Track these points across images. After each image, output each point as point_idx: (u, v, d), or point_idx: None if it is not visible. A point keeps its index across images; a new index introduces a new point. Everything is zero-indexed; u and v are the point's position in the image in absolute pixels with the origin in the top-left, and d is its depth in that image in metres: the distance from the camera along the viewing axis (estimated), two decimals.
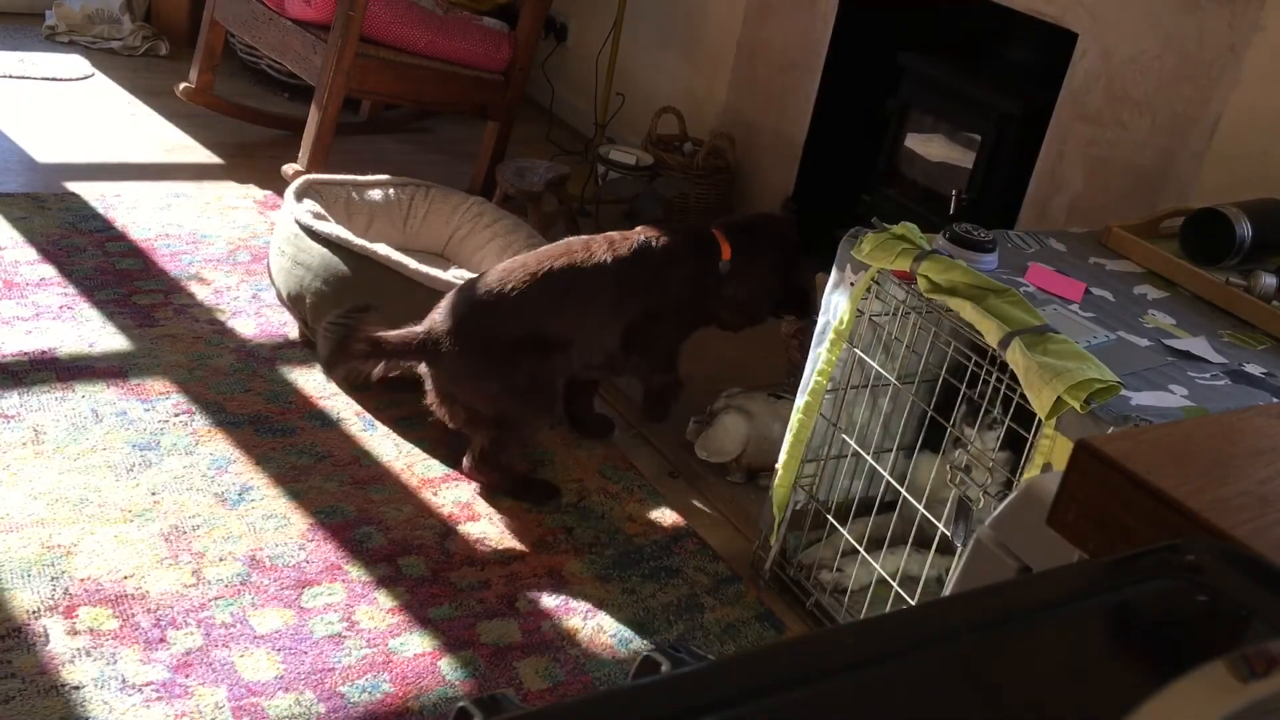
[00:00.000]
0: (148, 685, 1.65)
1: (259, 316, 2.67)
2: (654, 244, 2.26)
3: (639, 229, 2.31)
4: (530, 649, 1.86)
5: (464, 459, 2.23)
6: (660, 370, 2.39)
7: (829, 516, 2.02)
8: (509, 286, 2.15)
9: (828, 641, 0.56)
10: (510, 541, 2.10)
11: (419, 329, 2.15)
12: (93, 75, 3.97)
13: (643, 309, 2.26)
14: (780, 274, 2.42)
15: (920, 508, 1.84)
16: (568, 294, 2.18)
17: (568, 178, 3.38)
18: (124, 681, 1.65)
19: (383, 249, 2.40)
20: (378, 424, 2.37)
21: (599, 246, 2.22)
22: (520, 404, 2.18)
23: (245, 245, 3.00)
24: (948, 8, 3.05)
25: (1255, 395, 1.61)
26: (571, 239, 2.27)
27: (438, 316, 2.17)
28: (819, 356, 1.95)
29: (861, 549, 1.95)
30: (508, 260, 2.27)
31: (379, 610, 1.88)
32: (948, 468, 1.89)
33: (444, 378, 2.16)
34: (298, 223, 2.45)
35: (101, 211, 3.02)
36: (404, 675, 1.76)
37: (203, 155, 3.53)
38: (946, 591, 1.55)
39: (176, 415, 2.26)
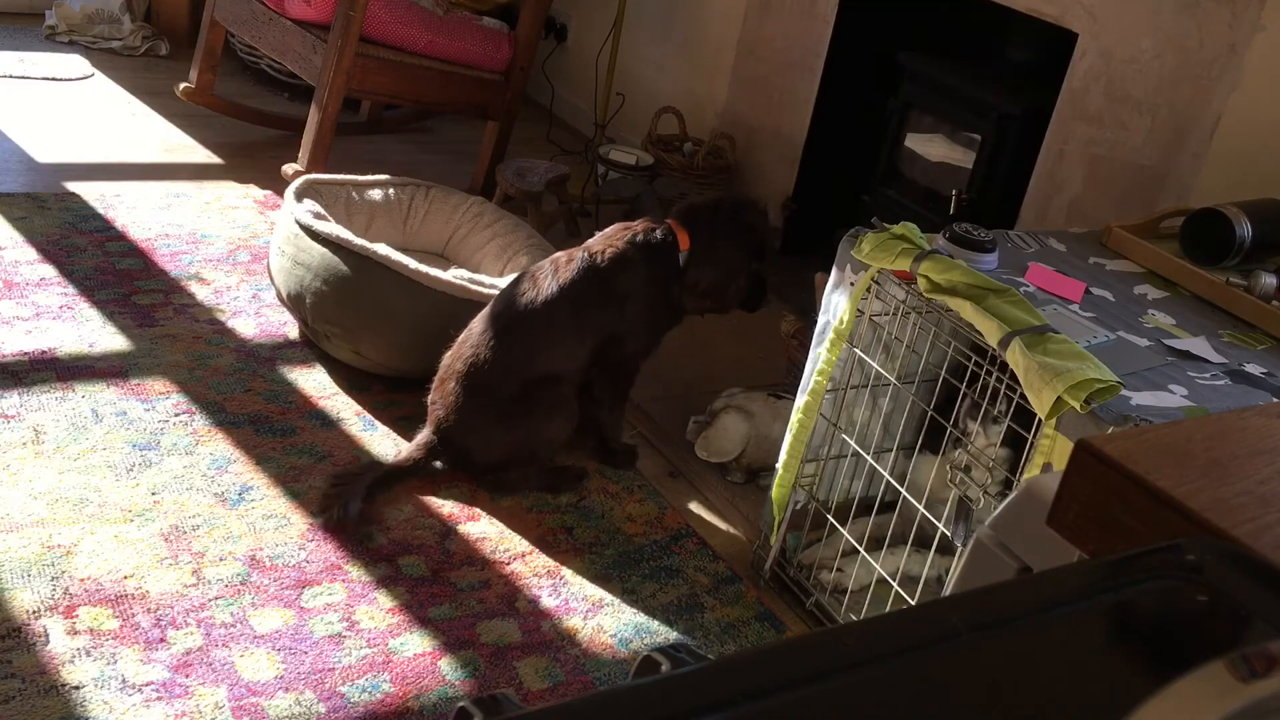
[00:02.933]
0: (148, 685, 1.65)
1: (259, 316, 2.67)
2: (599, 260, 2.20)
3: (590, 241, 2.26)
4: (530, 649, 1.86)
5: (491, 491, 2.25)
6: (618, 401, 2.36)
7: (829, 516, 2.02)
8: (482, 356, 2.17)
9: (828, 641, 0.56)
10: (510, 541, 2.10)
11: (429, 430, 2.23)
12: (93, 75, 3.97)
13: (606, 327, 2.22)
14: (745, 259, 2.30)
15: (920, 508, 1.84)
16: (536, 335, 2.18)
17: (568, 178, 3.38)
18: (124, 681, 1.65)
19: (383, 249, 2.40)
20: (378, 424, 2.37)
21: (544, 277, 2.20)
22: (547, 430, 2.23)
23: (245, 245, 3.00)
24: (948, 8, 3.05)
25: (1255, 395, 1.61)
26: (521, 275, 2.26)
27: (439, 411, 2.21)
28: (819, 356, 1.95)
29: (861, 549, 1.95)
30: (471, 324, 2.25)
31: (379, 610, 1.88)
32: (948, 468, 1.89)
33: (475, 461, 2.21)
34: (298, 223, 2.45)
35: (101, 211, 3.02)
36: (404, 675, 1.76)
37: (203, 155, 3.53)
38: (946, 591, 1.55)
39: (176, 415, 2.26)
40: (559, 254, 2.26)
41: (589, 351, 2.24)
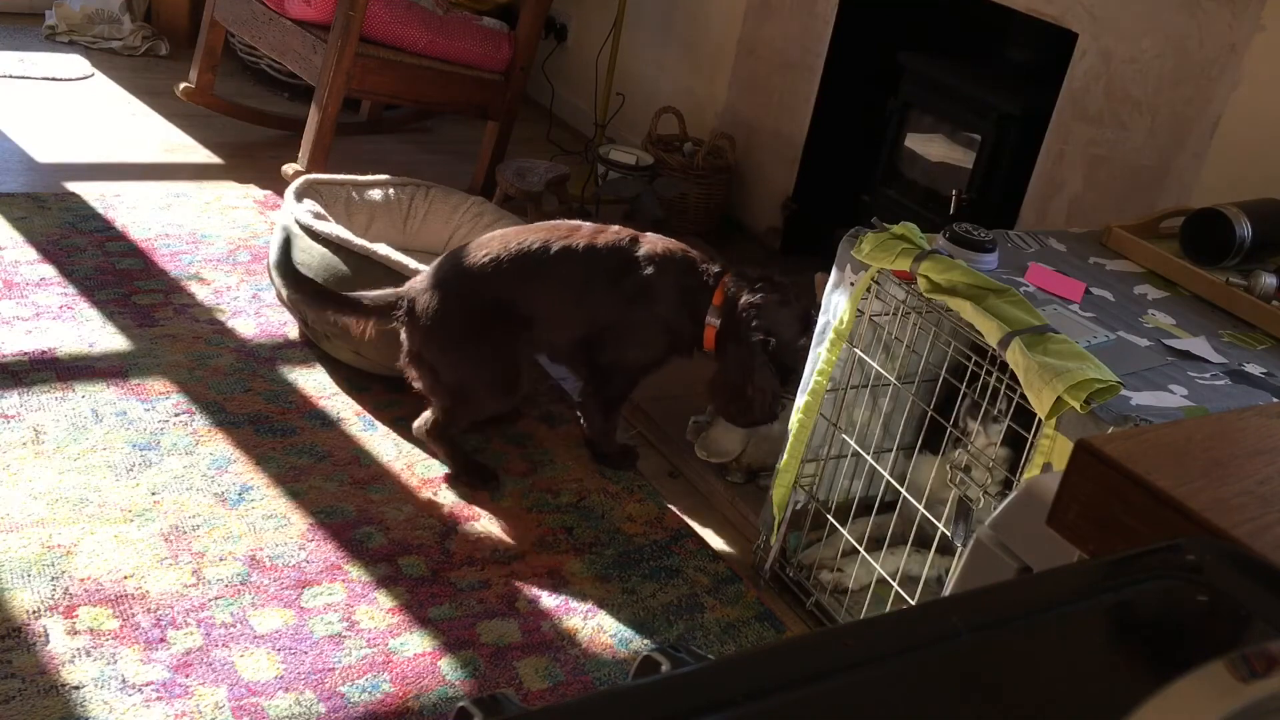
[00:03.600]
0: (148, 685, 1.65)
1: (259, 316, 2.67)
2: (633, 247, 2.17)
3: (648, 232, 2.23)
4: (530, 649, 1.86)
5: (416, 421, 2.25)
6: (603, 409, 2.32)
7: (829, 516, 2.02)
8: (484, 253, 2.17)
9: (828, 641, 0.56)
10: (510, 541, 2.10)
11: (400, 289, 2.21)
12: (93, 75, 3.97)
13: (602, 314, 2.19)
14: (757, 360, 2.14)
15: (920, 508, 1.84)
16: (537, 267, 2.15)
17: (568, 178, 3.38)
18: (124, 681, 1.65)
19: (383, 249, 2.40)
20: (378, 424, 2.37)
21: (583, 233, 2.19)
22: (478, 377, 2.19)
23: (245, 245, 3.00)
24: (948, 8, 3.05)
25: (1255, 395, 1.61)
26: (567, 221, 2.24)
27: (418, 280, 2.21)
28: (819, 356, 1.95)
29: (861, 549, 1.95)
30: (497, 231, 2.28)
31: (379, 610, 1.88)
32: (948, 468, 1.89)
33: (415, 338, 2.19)
34: (298, 222, 2.45)
35: (101, 211, 3.02)
36: (404, 675, 1.76)
37: (203, 155, 3.53)
38: (946, 591, 1.55)
39: (176, 415, 2.26)
40: (611, 225, 2.23)
41: (575, 327, 2.21)
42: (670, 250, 2.20)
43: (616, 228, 2.23)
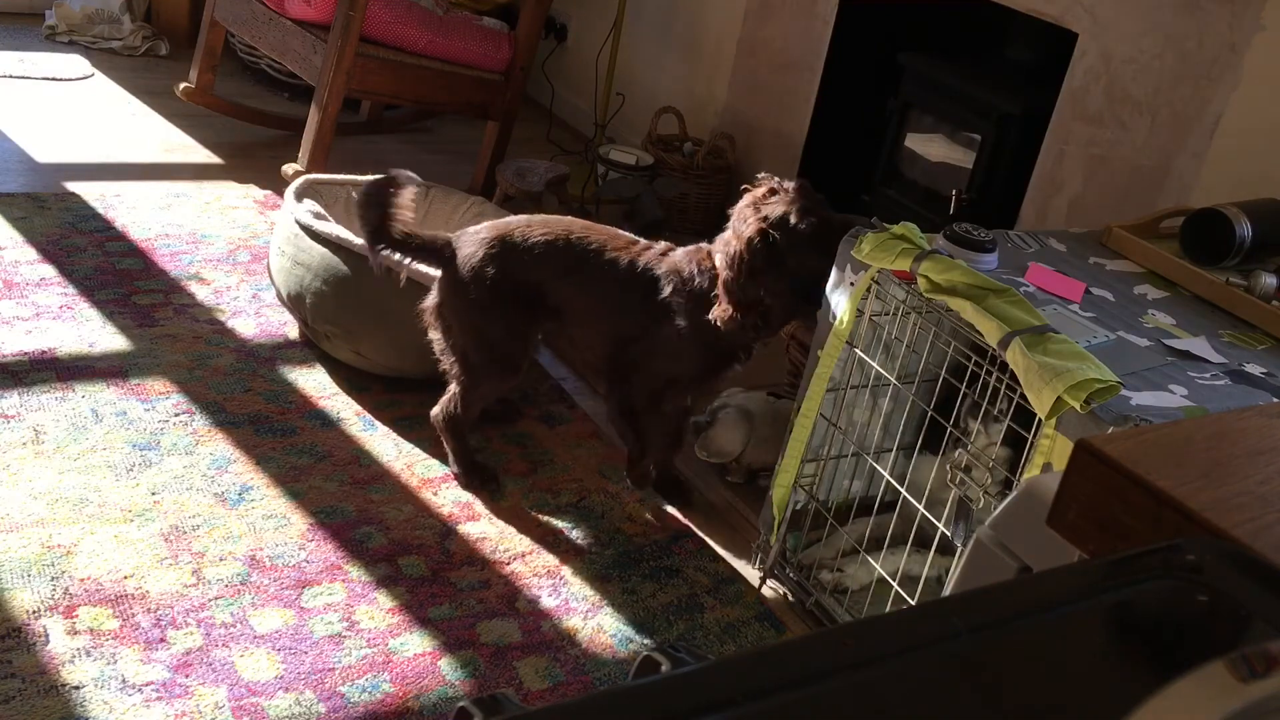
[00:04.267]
0: (148, 685, 1.65)
1: (259, 316, 2.67)
2: (658, 271, 2.12)
3: (680, 251, 2.15)
4: (530, 649, 1.86)
5: (434, 408, 2.25)
6: (617, 414, 2.27)
7: (829, 516, 2.02)
8: (542, 232, 2.15)
9: (828, 641, 0.56)
10: (510, 541, 2.10)
11: (448, 235, 2.21)
12: (93, 75, 3.97)
13: (629, 332, 2.16)
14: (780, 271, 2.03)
15: (920, 508, 1.84)
16: (584, 267, 2.14)
17: (568, 178, 3.38)
18: (124, 681, 1.65)
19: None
20: (378, 424, 2.37)
21: (635, 248, 2.15)
22: (482, 347, 2.18)
23: (245, 245, 3.00)
24: (948, 8, 3.05)
25: (1255, 395, 1.61)
26: (627, 234, 2.20)
27: (471, 231, 2.20)
28: (819, 356, 1.95)
29: (861, 549, 1.95)
30: (566, 216, 2.27)
31: (379, 610, 1.88)
32: (948, 468, 1.89)
33: (444, 288, 2.19)
34: (298, 223, 2.45)
35: (101, 211, 3.02)
36: (404, 675, 1.76)
37: (203, 155, 3.53)
38: (946, 591, 1.55)
39: (176, 415, 2.26)
40: (670, 247, 2.17)
41: (603, 335, 2.19)
42: (690, 272, 2.12)
43: (667, 248, 2.16)
